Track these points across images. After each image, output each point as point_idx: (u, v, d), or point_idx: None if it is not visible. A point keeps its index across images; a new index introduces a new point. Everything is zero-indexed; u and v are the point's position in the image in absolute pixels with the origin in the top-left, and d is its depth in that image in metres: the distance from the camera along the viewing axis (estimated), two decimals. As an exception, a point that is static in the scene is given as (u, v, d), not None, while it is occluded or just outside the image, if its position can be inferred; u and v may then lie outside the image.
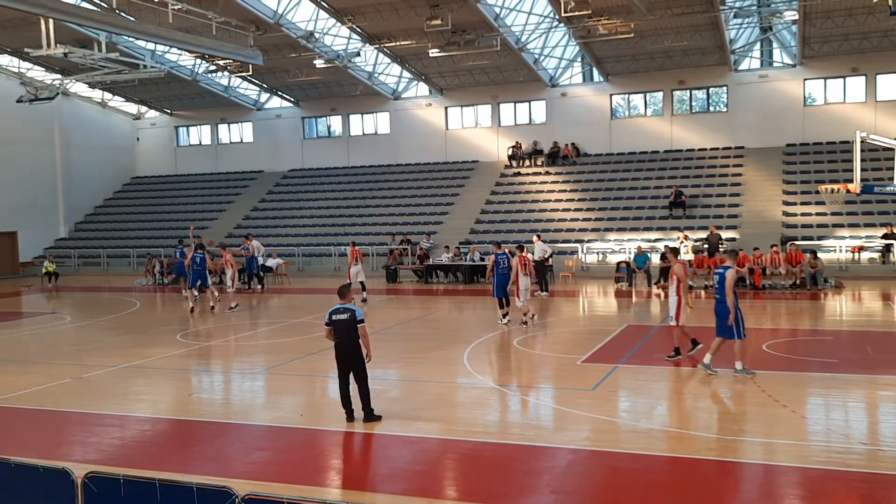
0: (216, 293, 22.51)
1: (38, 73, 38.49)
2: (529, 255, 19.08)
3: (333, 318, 9.99)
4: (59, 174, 41.84)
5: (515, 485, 7.87)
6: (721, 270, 12.29)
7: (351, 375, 10.06)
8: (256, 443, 9.63)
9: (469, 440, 9.32)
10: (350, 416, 10.00)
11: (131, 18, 27.11)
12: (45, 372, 13.91)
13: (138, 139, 46.96)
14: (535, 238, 25.69)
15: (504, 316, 18.00)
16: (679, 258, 14.35)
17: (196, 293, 22.18)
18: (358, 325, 9.88)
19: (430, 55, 32.99)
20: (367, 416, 9.95)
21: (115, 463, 8.55)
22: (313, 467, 8.72)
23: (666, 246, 15.39)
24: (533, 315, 18.14)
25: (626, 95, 37.59)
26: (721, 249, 26.87)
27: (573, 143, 37.41)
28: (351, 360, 9.94)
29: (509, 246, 29.45)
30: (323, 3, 30.08)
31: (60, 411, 11.28)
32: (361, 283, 22.93)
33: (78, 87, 40.75)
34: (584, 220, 32.80)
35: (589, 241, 31.10)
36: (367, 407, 9.99)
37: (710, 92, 36.52)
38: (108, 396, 12.16)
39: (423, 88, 40.25)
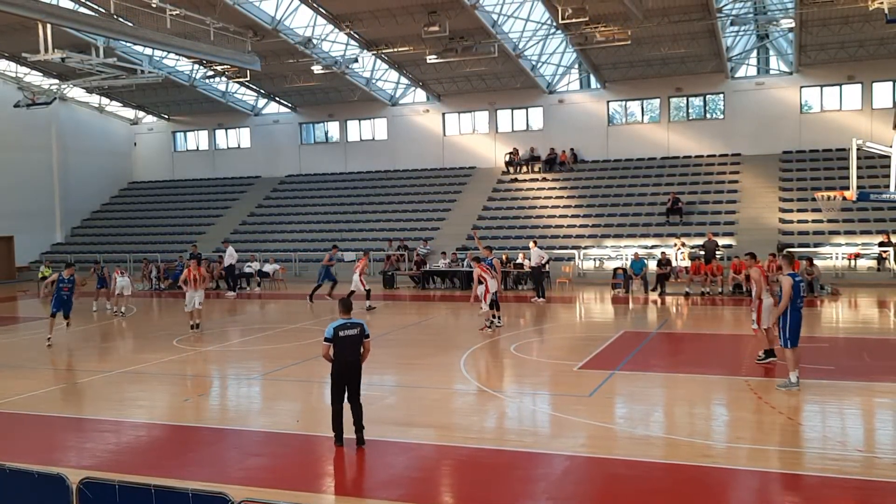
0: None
1: (35, 78, 38.47)
2: (491, 264, 19.29)
3: (340, 333, 9.09)
4: (55, 179, 41.80)
5: (512, 491, 7.86)
6: (801, 279, 12.07)
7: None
8: (252, 448, 9.61)
9: (465, 446, 9.30)
10: (340, 440, 9.25)
11: (129, 24, 27.13)
12: (40, 377, 13.88)
13: (136, 144, 46.95)
14: (531, 244, 25.71)
15: (496, 318, 18.21)
16: (755, 263, 14.21)
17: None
18: (365, 340, 9.27)
19: (428, 61, 32.98)
20: (361, 439, 9.23)
21: (111, 469, 8.52)
22: (309, 473, 8.70)
23: (748, 254, 15.23)
24: (489, 324, 18.12)
25: (623, 102, 37.67)
26: (717, 256, 26.98)
27: (571, 150, 37.48)
28: (353, 378, 9.22)
29: (505, 252, 29.69)
30: (321, 9, 30.13)
31: (56, 417, 11.25)
32: (354, 291, 22.84)
33: (75, 91, 40.73)
34: (581, 226, 32.83)
35: (586, 248, 31.12)
36: (362, 426, 9.27)
37: (706, 99, 36.62)
38: (104, 402, 12.14)
39: (420, 95, 40.30)
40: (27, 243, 39.32)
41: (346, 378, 9.21)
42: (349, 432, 9.30)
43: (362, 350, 9.32)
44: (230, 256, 29.21)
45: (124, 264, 37.30)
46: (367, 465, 9.00)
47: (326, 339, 9.14)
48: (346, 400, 9.29)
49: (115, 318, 22.54)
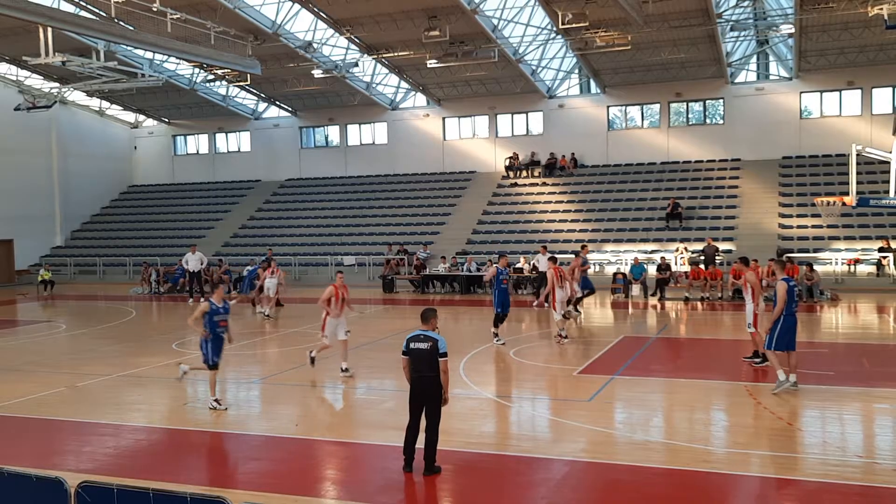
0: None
1: (35, 82, 38.50)
2: (564, 268, 18.57)
3: (411, 346, 8.48)
4: (55, 182, 41.79)
5: (511, 496, 7.85)
6: (794, 283, 12.07)
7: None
8: (251, 453, 9.59)
9: (465, 451, 9.29)
10: (409, 465, 8.48)
11: (130, 27, 27.18)
12: (39, 381, 13.86)
13: (136, 148, 46.96)
14: (541, 250, 25.62)
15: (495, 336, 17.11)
16: (749, 267, 14.23)
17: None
18: (440, 359, 8.37)
19: (428, 66, 33.07)
20: (428, 468, 8.41)
21: (109, 472, 8.51)
22: (308, 478, 8.69)
23: (740, 259, 15.25)
24: (564, 334, 16.94)
25: (623, 107, 37.70)
26: (717, 261, 26.96)
27: (571, 155, 37.49)
28: (427, 399, 8.40)
29: (505, 257, 29.63)
30: (321, 13, 30.18)
31: (55, 420, 11.23)
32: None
33: (76, 95, 40.77)
34: (581, 231, 32.82)
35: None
36: (431, 455, 8.43)
37: (706, 104, 36.65)
38: (103, 405, 12.11)
39: (420, 99, 40.34)
40: (27, 247, 39.30)
41: (417, 395, 8.43)
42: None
43: (440, 372, 8.40)
44: (198, 261, 28.44)
45: (123, 268, 37.35)
46: (366, 469, 8.99)
47: (403, 353, 8.55)
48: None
49: (265, 320, 22.16)
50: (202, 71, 36.39)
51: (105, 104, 43.82)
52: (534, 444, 9.86)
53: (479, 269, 29.28)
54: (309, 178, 42.56)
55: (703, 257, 26.99)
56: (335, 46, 34.12)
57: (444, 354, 8.38)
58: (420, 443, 8.44)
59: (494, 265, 17.85)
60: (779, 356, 11.73)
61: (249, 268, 27.13)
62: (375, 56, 33.70)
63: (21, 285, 36.73)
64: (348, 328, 14.01)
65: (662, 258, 27.19)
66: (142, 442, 10.16)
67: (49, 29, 23.81)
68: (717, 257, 27.16)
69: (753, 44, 35.12)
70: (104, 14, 27.86)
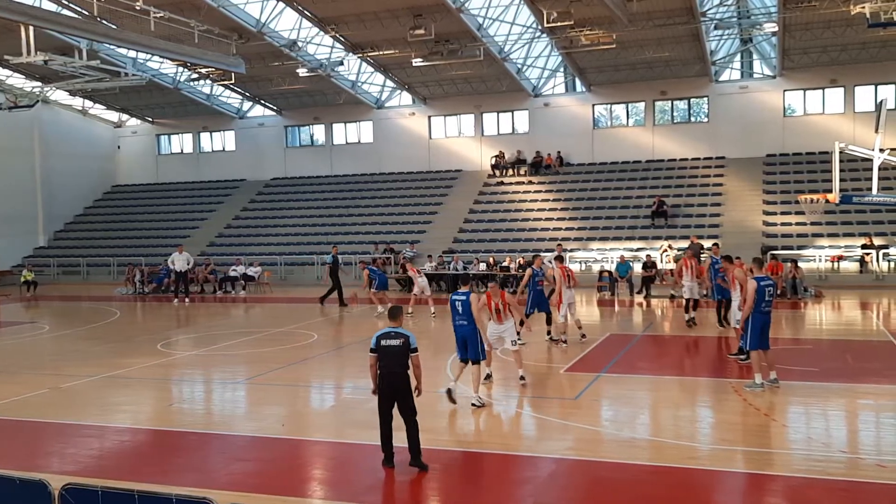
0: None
1: (17, 81, 38.13)
2: (573, 267, 18.15)
3: (381, 342, 8.61)
4: (38, 182, 41.45)
5: (498, 495, 7.85)
6: (772, 282, 12.08)
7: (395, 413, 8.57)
8: (237, 454, 9.54)
9: (452, 450, 9.29)
10: (390, 460, 8.53)
11: (113, 26, 26.97)
12: (23, 382, 13.73)
13: (119, 147, 46.65)
14: (557, 248, 25.57)
15: (548, 333, 16.72)
16: (733, 264, 14.24)
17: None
18: (411, 355, 8.57)
19: (414, 64, 33.05)
20: (415, 458, 8.44)
21: (94, 474, 8.44)
22: (295, 478, 8.66)
23: (724, 257, 15.22)
24: (564, 338, 16.24)
25: (609, 105, 37.82)
26: (702, 259, 27.06)
27: (557, 153, 37.57)
28: (399, 393, 8.48)
29: (492, 256, 29.70)
30: (306, 12, 30.08)
31: (38, 422, 11.13)
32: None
33: (58, 94, 40.41)
34: (567, 229, 32.91)
35: (571, 251, 31.15)
36: (416, 447, 8.45)
37: (691, 103, 36.83)
38: (87, 407, 12.02)
39: (406, 98, 40.30)
40: (9, 247, 38.93)
41: (388, 391, 8.51)
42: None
43: (413, 367, 8.60)
44: (184, 261, 27.98)
45: (107, 268, 37.06)
46: (354, 469, 8.97)
47: (371, 350, 8.71)
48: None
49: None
50: (186, 70, 36.19)
51: (88, 103, 43.49)
52: (520, 441, 9.87)
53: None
54: (294, 178, 42.43)
55: (688, 255, 27.09)
56: (320, 45, 34.03)
57: (416, 350, 8.60)
58: (401, 441, 8.43)
59: (530, 267, 17.27)
60: (760, 356, 11.78)
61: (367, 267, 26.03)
62: (360, 55, 33.63)
63: (3, 286, 36.37)
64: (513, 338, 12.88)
65: (648, 256, 27.31)
66: (127, 443, 10.09)
67: (31, 27, 23.53)
68: (701, 255, 27.25)
69: (737, 42, 35.34)
70: (87, 13, 27.64)
